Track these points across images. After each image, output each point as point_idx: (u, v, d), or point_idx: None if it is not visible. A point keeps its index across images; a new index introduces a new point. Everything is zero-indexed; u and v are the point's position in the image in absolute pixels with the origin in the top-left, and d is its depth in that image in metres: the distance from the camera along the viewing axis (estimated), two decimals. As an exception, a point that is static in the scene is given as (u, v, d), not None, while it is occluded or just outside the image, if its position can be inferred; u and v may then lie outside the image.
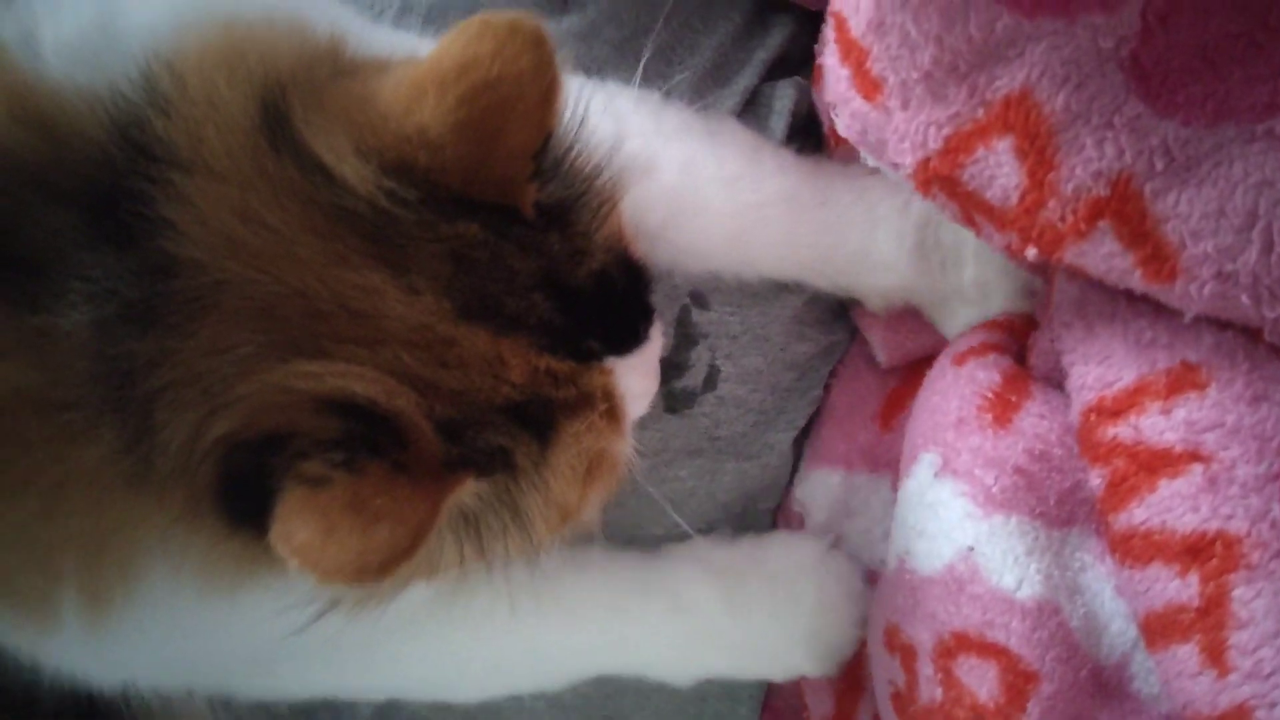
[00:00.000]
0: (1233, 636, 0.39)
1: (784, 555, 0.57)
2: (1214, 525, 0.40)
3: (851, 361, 0.60)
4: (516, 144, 0.36)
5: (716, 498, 0.58)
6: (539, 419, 0.39)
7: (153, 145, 0.35)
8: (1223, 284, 0.40)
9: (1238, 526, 0.40)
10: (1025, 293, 0.55)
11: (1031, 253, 0.43)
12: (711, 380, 0.57)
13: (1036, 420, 0.48)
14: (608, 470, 0.43)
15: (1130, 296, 0.44)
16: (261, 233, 0.35)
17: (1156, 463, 0.42)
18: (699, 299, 0.57)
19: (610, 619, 0.55)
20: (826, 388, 0.60)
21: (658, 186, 0.52)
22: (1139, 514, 0.42)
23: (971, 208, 0.44)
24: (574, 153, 0.41)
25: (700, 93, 0.59)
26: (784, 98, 0.59)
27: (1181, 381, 0.42)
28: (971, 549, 0.47)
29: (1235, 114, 0.39)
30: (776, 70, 0.60)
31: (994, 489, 0.47)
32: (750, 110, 0.60)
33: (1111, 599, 0.45)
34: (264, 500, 0.33)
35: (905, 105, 0.43)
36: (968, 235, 0.50)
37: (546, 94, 0.36)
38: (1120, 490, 0.43)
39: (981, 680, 0.45)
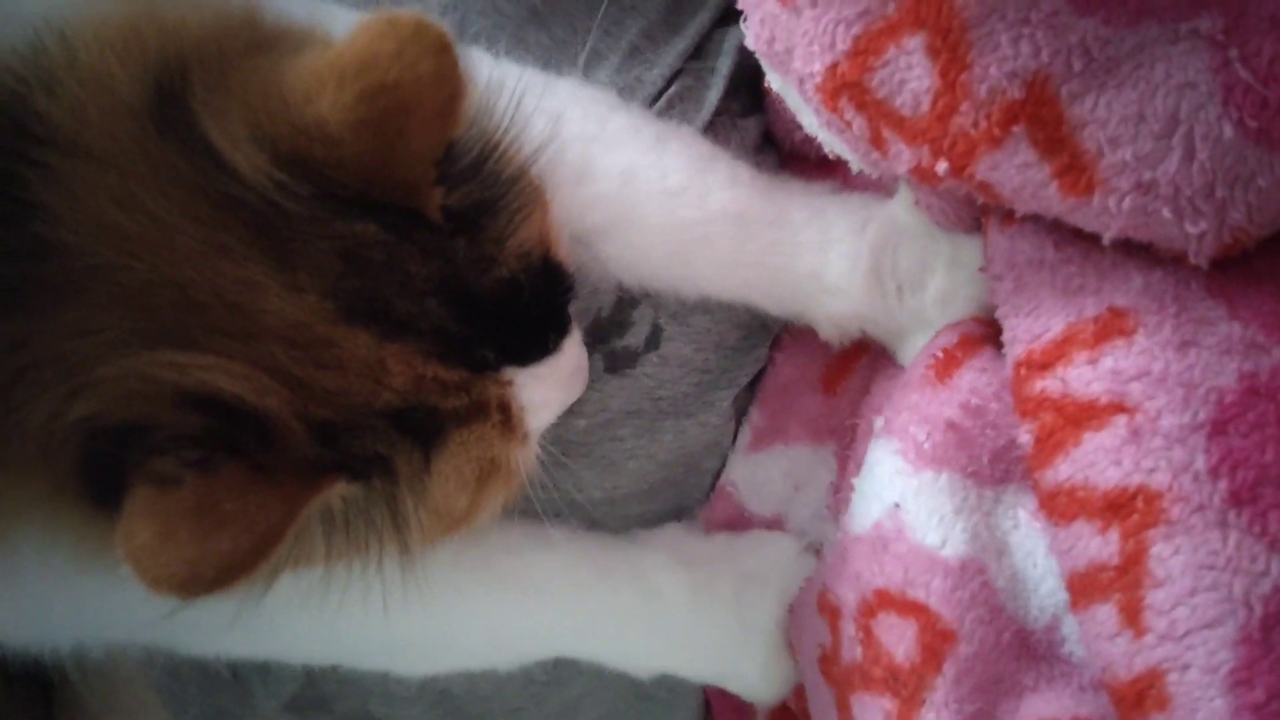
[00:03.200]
0: (1149, 595, 0.36)
1: (757, 554, 0.55)
2: (1135, 479, 0.38)
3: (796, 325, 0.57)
4: (418, 148, 0.36)
5: (656, 457, 0.56)
6: (424, 426, 0.38)
7: (33, 124, 0.34)
8: (1143, 195, 0.37)
9: (1159, 480, 0.37)
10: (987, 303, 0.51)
11: (943, 167, 0.40)
12: (654, 339, 0.56)
13: (976, 375, 0.46)
14: (503, 478, 0.42)
15: (1058, 242, 0.42)
16: (140, 219, 0.34)
17: (1082, 415, 0.39)
18: None
19: (575, 597, 0.53)
20: (771, 352, 0.58)
21: (595, 194, 0.50)
22: (1064, 470, 0.40)
23: (880, 120, 0.42)
24: (496, 155, 0.40)
25: (652, 39, 0.57)
26: (734, 38, 0.57)
27: (1109, 329, 0.40)
28: (898, 506, 0.45)
29: (1158, 12, 0.36)
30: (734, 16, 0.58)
31: (925, 445, 0.45)
32: (699, 54, 0.58)
33: (1044, 558, 0.43)
34: (121, 492, 0.33)
35: (814, 2, 0.41)
36: (933, 251, 0.48)
37: (447, 103, 0.35)
38: (1047, 446, 0.40)
39: (899, 639, 0.42)
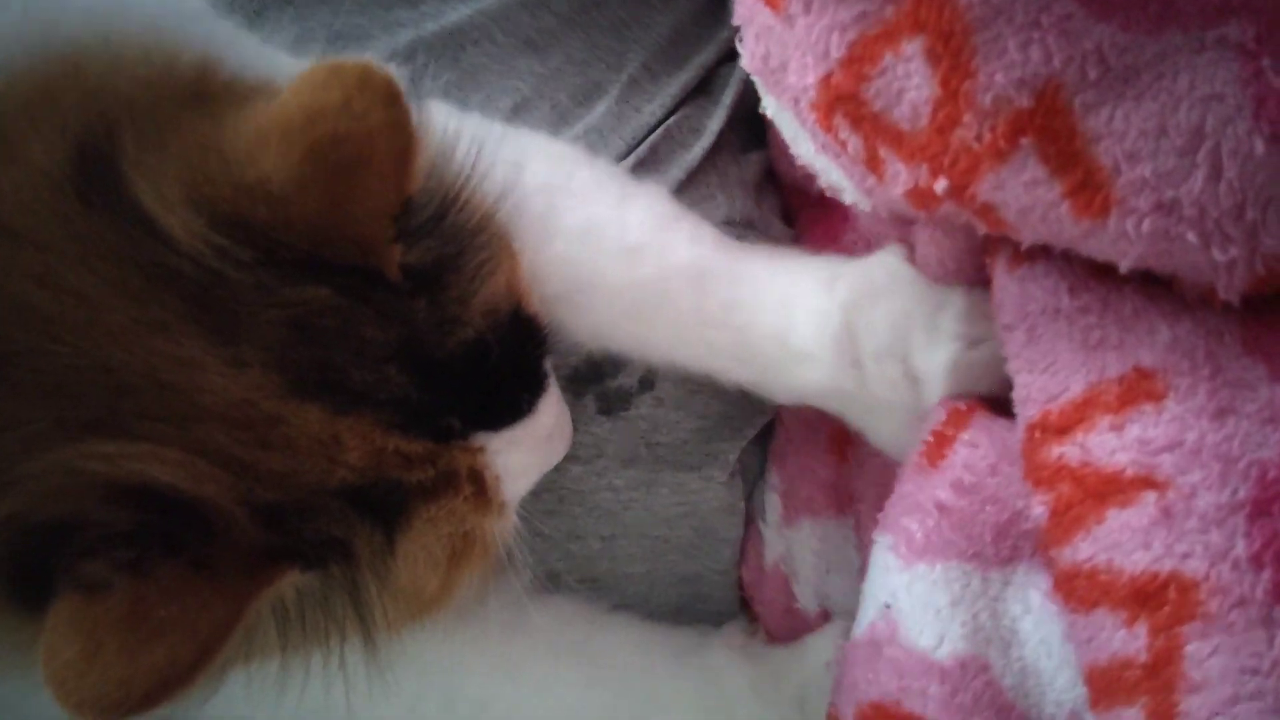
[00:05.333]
0: (1184, 701, 0.32)
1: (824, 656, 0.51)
2: (1167, 565, 0.33)
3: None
4: (372, 204, 0.33)
5: (655, 512, 0.53)
6: (385, 503, 0.35)
7: None
8: (1164, 217, 0.33)
9: (1194, 567, 0.33)
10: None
11: (942, 185, 0.36)
12: (649, 380, 0.52)
13: (968, 451, 0.41)
14: (478, 552, 0.39)
15: (1073, 287, 0.37)
16: (63, 299, 0.31)
17: (1106, 489, 0.35)
18: None
19: (639, 678, 0.51)
20: (779, 411, 0.54)
21: (557, 254, 0.47)
22: (1084, 549, 0.35)
23: (877, 137, 0.38)
24: (457, 206, 0.37)
25: (653, 73, 0.54)
26: (739, 73, 0.54)
27: (1135, 391, 0.35)
28: (889, 605, 0.41)
29: (1182, 18, 0.32)
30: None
31: (917, 535, 0.41)
32: (704, 90, 0.56)
33: (1060, 646, 0.38)
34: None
35: (808, 9, 0.37)
36: (920, 310, 0.43)
37: (401, 155, 0.33)
38: (1064, 520, 0.36)
39: None
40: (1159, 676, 0.33)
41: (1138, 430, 0.35)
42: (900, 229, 0.45)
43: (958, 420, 0.43)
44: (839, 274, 0.46)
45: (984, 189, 0.36)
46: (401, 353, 0.34)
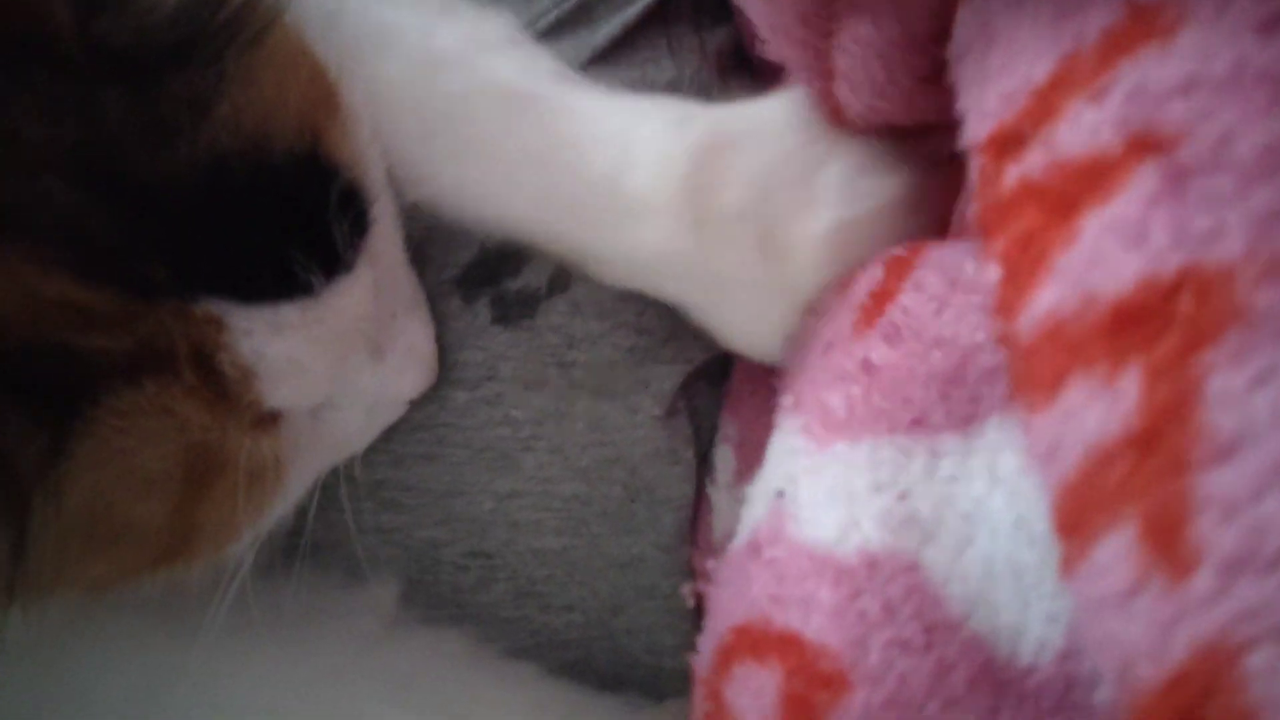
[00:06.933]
0: (1202, 481, 0.15)
1: None
2: (1176, 259, 0.18)
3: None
4: None
5: (566, 453, 0.39)
6: (50, 382, 0.25)
7: None
8: None
9: (1226, 250, 0.17)
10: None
11: None
12: (561, 280, 0.40)
13: (912, 294, 0.28)
14: (222, 482, 0.28)
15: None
16: None
17: (1079, 187, 0.20)
18: None
19: None
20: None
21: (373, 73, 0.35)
22: (1045, 298, 0.20)
23: None
24: None
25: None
26: None
27: (1128, 36, 0.21)
28: (781, 494, 0.27)
29: None
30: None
31: (838, 409, 0.27)
32: None
33: (1046, 528, 0.22)
34: None
35: None
36: (814, 157, 0.32)
37: None
38: (1022, 267, 0.21)
39: (753, 701, 0.23)
40: (1158, 451, 0.16)
41: (1133, 79, 0.20)
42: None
43: (900, 269, 0.29)
44: (696, 114, 0.35)
45: None
46: (76, 162, 0.24)
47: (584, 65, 0.40)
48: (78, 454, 0.25)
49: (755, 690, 0.23)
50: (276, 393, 0.28)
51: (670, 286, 0.36)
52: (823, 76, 0.33)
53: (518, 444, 0.38)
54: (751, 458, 0.38)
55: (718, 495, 0.39)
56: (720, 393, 0.42)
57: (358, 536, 0.37)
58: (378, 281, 0.31)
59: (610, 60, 0.41)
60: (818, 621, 0.23)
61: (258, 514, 0.30)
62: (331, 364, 0.30)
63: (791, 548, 0.25)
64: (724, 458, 0.39)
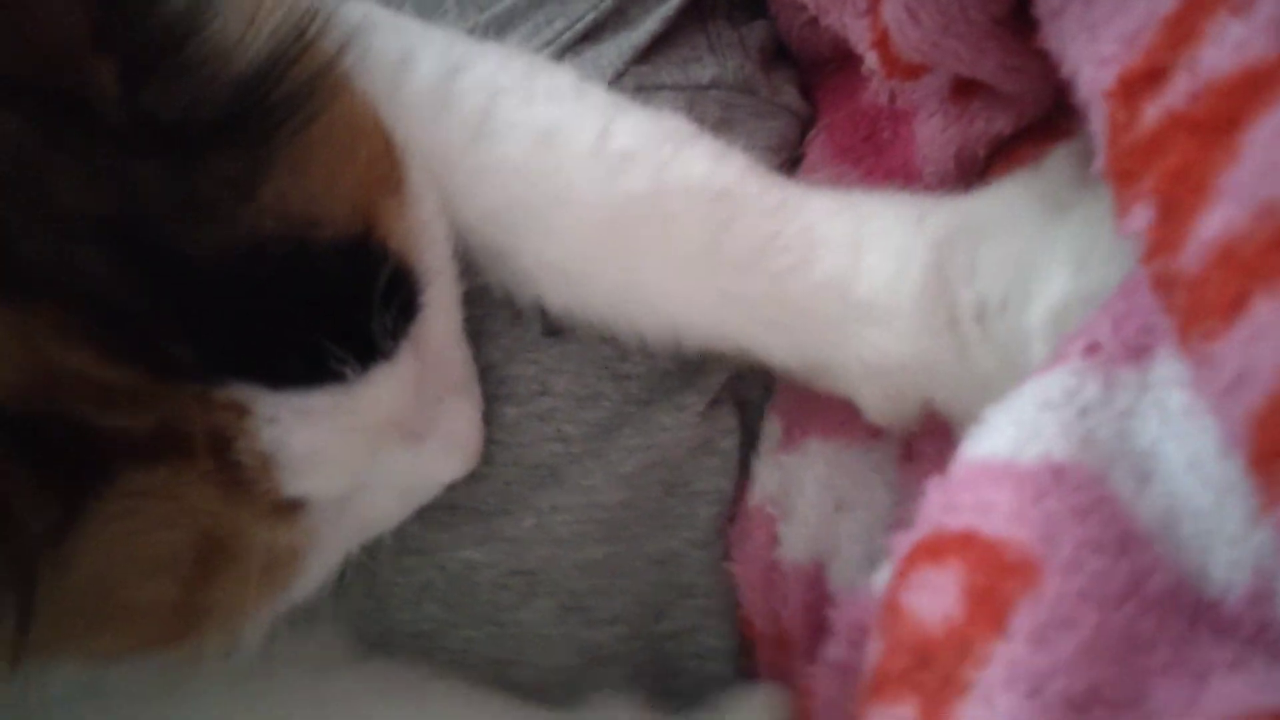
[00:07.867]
0: None
1: None
2: None
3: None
4: None
5: (612, 463, 0.37)
6: (66, 453, 0.23)
7: None
8: None
9: None
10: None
11: None
12: None
13: None
14: (233, 570, 0.27)
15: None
16: None
17: (1234, 106, 0.20)
18: None
19: None
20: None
21: (493, 160, 0.33)
22: (1213, 221, 0.19)
23: None
24: (251, 43, 0.25)
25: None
26: None
27: None
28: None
29: None
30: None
31: None
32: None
33: (1219, 466, 0.21)
34: None
35: None
36: (1043, 243, 0.30)
37: None
38: (1179, 200, 0.20)
39: (934, 597, 0.22)
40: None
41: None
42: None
43: None
44: (930, 209, 0.32)
45: None
46: (109, 232, 0.23)
47: (625, 65, 0.40)
48: (88, 530, 0.24)
49: (936, 589, 0.22)
50: (297, 483, 0.26)
51: (909, 391, 0.32)
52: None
53: (568, 459, 0.37)
54: (798, 420, 0.37)
55: (759, 465, 0.38)
56: (773, 381, 0.39)
57: (394, 560, 0.35)
58: (425, 365, 0.29)
59: (650, 61, 0.41)
60: (996, 521, 0.22)
61: (272, 599, 0.29)
62: (361, 456, 0.28)
63: (963, 464, 0.24)
64: (771, 429, 0.38)
